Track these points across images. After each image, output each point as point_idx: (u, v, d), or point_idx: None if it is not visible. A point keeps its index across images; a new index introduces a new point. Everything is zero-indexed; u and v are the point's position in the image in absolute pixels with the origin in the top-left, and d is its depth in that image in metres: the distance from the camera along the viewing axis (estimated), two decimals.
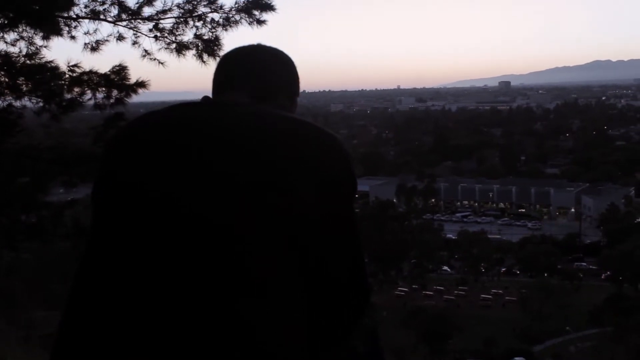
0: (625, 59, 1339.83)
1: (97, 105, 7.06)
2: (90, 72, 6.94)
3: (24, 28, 6.69)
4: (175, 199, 1.32)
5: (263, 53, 1.69)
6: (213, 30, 7.26)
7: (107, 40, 7.30)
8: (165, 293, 1.27)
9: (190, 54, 7.31)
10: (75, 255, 7.77)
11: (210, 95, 1.64)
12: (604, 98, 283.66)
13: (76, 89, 6.94)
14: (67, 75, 6.87)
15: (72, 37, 7.34)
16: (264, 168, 1.33)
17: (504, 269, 67.57)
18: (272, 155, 1.35)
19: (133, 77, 7.26)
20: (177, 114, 1.46)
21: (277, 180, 1.33)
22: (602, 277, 61.08)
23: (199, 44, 7.30)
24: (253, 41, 1.74)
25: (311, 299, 1.37)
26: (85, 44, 7.34)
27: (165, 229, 1.31)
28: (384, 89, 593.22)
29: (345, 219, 1.42)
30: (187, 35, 7.42)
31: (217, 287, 1.27)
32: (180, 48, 7.29)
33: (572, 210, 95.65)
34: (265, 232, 1.30)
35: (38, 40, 7.11)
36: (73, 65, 6.87)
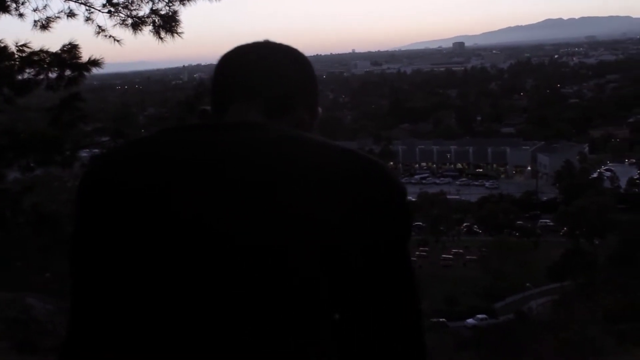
0: (577, 17, 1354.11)
1: (49, 86, 6.79)
2: (41, 51, 6.66)
3: None
4: (204, 219, 1.13)
5: (274, 54, 1.37)
6: (170, 4, 7.04)
7: (58, 17, 7.04)
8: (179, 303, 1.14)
9: (147, 29, 7.09)
10: (36, 239, 7.56)
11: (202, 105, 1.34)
12: (556, 56, 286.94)
13: (27, 70, 6.68)
14: (16, 56, 6.60)
15: (21, 15, 7.06)
16: (302, 200, 1.12)
17: (466, 226, 68.35)
18: (311, 187, 1.13)
19: (86, 53, 7.03)
20: (181, 138, 1.22)
21: (317, 216, 1.12)
22: (561, 233, 62.16)
23: (156, 20, 7.06)
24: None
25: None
26: (34, 21, 7.06)
27: (188, 247, 1.13)
28: (339, 54, 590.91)
29: (397, 267, 1.19)
30: (143, 10, 7.18)
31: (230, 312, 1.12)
32: (136, 24, 7.05)
33: (528, 168, 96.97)
34: (294, 262, 1.12)
35: None
36: (22, 45, 6.59)
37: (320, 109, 1.44)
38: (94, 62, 6.92)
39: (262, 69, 1.34)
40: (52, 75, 6.91)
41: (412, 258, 1.23)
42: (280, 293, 1.11)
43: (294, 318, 1.12)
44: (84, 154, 7.59)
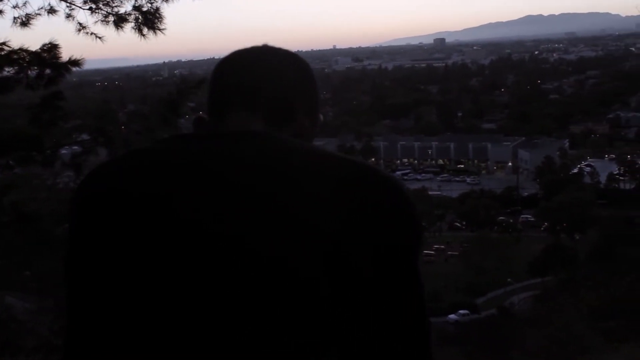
0: (557, 13, 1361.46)
1: (29, 85, 6.69)
2: (21, 50, 6.55)
3: None
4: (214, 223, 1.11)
5: (273, 59, 1.34)
6: (152, 1, 6.96)
7: (38, 14, 6.94)
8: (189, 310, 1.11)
9: (129, 27, 7.00)
10: (16, 238, 7.45)
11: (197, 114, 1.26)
12: (536, 52, 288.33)
13: (7, 69, 6.58)
14: None
15: (0, 12, 6.96)
16: (305, 208, 1.10)
17: (448, 222, 68.53)
18: (314, 195, 1.11)
19: (66, 49, 6.93)
20: (183, 148, 1.20)
21: (326, 228, 1.10)
22: (542, 228, 62.51)
23: (138, 17, 6.97)
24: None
25: None
26: (14, 18, 6.95)
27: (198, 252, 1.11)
28: (320, 50, 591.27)
29: (407, 282, 1.15)
30: (125, 7, 7.10)
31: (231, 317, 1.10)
32: (118, 21, 6.95)
33: (509, 164, 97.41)
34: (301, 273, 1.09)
35: None
36: (1, 43, 6.48)
37: (321, 116, 1.39)
38: (74, 62, 6.83)
39: (262, 76, 1.31)
40: (32, 73, 6.82)
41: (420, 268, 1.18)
42: (281, 295, 1.09)
43: (294, 320, 1.10)
44: (64, 151, 7.51)
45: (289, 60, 1.35)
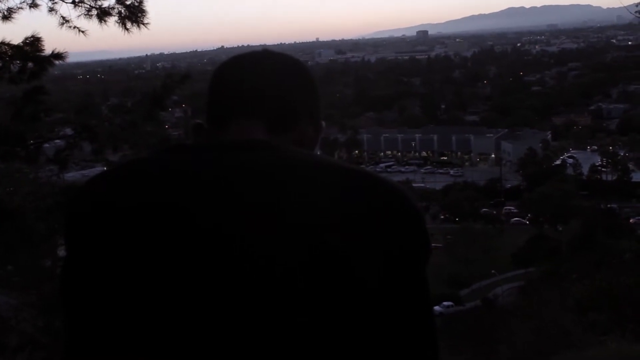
0: (539, 5, 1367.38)
1: (11, 80, 6.59)
2: (3, 43, 6.48)
3: None
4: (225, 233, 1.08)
5: (274, 65, 1.30)
6: None
7: (20, 8, 6.86)
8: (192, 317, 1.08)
9: (112, 20, 6.93)
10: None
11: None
12: (518, 44, 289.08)
13: None
14: None
15: None
16: (312, 217, 1.07)
17: (432, 214, 68.74)
18: (320, 204, 1.08)
19: (48, 42, 6.84)
20: (184, 159, 1.16)
21: (337, 240, 1.06)
22: (526, 220, 62.86)
23: (122, 10, 6.90)
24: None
25: None
26: None
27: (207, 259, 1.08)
28: (302, 42, 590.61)
29: (416, 295, 1.13)
30: (109, 1, 7.02)
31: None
32: (102, 14, 6.88)
33: (492, 155, 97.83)
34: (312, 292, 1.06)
35: None
36: None
37: (323, 122, 1.37)
38: (57, 56, 6.75)
39: (264, 83, 1.27)
40: (15, 67, 6.73)
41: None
42: (283, 301, 1.06)
43: (296, 325, 1.07)
44: (47, 145, 7.42)
45: (290, 66, 1.32)
